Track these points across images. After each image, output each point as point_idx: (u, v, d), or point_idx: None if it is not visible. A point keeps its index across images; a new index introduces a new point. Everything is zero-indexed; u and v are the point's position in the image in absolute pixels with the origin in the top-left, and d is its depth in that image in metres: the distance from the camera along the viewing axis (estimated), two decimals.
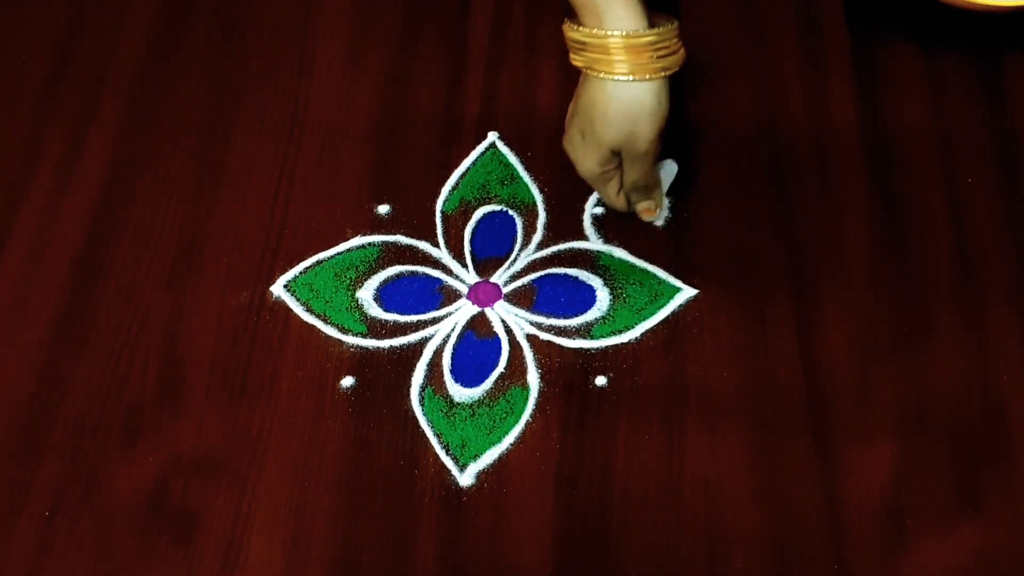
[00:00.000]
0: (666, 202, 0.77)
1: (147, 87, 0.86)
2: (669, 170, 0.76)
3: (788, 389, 0.71)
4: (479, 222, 0.79)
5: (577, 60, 0.68)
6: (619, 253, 0.77)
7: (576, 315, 0.75)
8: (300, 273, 0.77)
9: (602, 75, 0.66)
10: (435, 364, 0.73)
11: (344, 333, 0.74)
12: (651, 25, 0.66)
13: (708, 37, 0.87)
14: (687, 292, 0.75)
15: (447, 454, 0.70)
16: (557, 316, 0.75)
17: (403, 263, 0.77)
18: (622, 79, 0.66)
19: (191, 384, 0.73)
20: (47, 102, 0.86)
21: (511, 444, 0.70)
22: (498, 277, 0.77)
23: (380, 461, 0.70)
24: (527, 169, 0.81)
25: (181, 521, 0.68)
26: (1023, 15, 0.82)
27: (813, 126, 0.82)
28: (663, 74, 0.66)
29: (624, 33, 0.65)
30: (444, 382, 0.72)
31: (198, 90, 0.86)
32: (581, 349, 0.73)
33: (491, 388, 0.72)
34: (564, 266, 0.77)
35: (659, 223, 0.77)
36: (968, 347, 0.72)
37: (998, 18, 0.83)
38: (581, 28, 0.66)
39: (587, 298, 0.75)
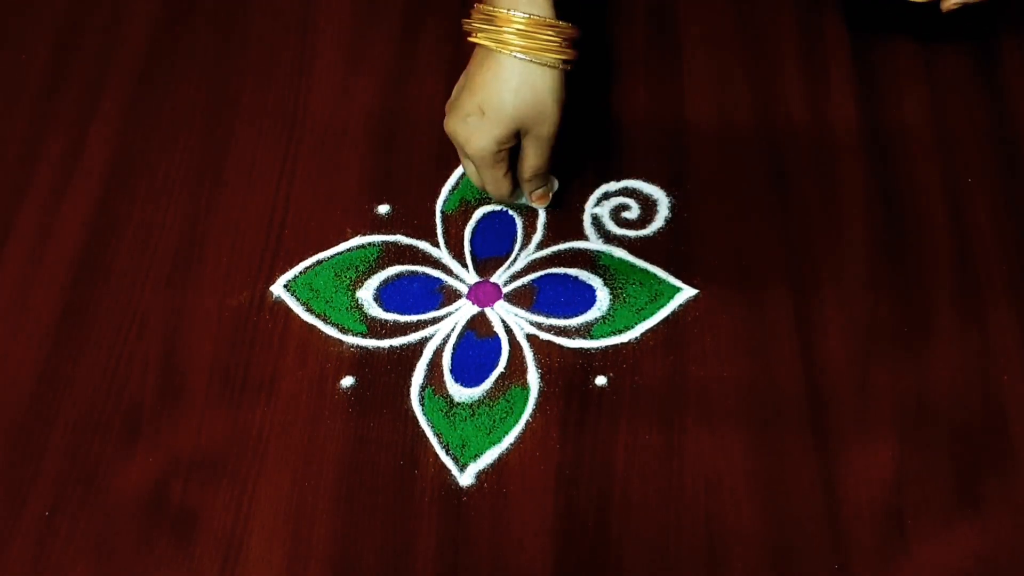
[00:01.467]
0: (555, 183, 0.78)
1: (147, 87, 0.86)
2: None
3: (788, 389, 0.71)
4: (479, 222, 0.79)
5: (480, 37, 0.71)
6: (619, 253, 0.77)
7: (576, 315, 0.75)
8: (300, 273, 0.77)
9: (510, 51, 0.69)
10: (435, 364, 0.73)
11: (344, 333, 0.74)
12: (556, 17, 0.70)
13: (708, 37, 0.87)
14: (687, 292, 0.75)
15: (447, 454, 0.70)
16: (557, 316, 0.75)
17: (403, 263, 0.77)
18: (524, 58, 0.69)
19: (191, 384, 0.73)
20: (47, 102, 0.86)
21: (511, 444, 0.70)
22: (498, 277, 0.77)
23: (380, 461, 0.70)
24: None
25: (181, 521, 0.68)
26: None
27: (813, 126, 0.82)
28: (563, 58, 0.70)
29: (529, 16, 0.69)
30: (444, 382, 0.72)
31: (198, 90, 0.86)
32: (581, 349, 0.73)
33: (491, 388, 0.72)
34: (564, 266, 0.77)
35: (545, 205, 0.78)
36: (968, 347, 0.72)
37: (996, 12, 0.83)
38: (488, 7, 0.71)
39: (587, 298, 0.75)
